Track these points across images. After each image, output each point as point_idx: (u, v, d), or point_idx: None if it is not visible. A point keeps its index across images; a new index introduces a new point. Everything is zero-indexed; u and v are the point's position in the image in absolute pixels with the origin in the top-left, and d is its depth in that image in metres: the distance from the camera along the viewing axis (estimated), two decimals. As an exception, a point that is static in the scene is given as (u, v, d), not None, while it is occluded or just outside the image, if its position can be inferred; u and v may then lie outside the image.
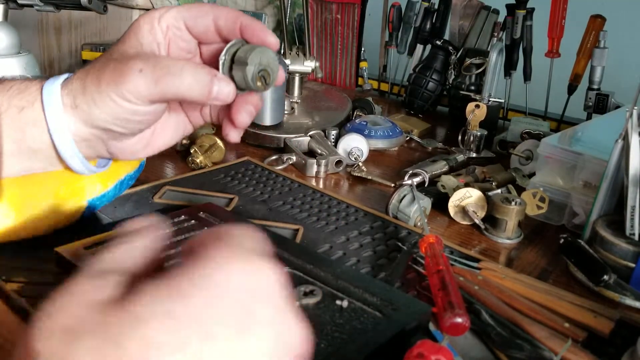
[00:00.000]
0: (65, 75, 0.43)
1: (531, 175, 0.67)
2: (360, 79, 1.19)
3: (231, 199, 0.60)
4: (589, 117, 0.91)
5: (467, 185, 0.62)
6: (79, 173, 0.45)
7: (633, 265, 0.48)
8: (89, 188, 0.49)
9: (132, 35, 0.43)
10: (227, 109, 0.46)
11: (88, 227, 0.51)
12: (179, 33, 0.44)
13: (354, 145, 0.75)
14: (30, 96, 0.42)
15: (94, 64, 0.42)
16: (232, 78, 0.42)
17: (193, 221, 0.50)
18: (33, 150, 0.42)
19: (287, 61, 0.85)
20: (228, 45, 0.42)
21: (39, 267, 0.44)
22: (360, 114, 0.91)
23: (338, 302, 0.40)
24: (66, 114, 0.41)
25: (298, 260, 0.44)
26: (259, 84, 0.42)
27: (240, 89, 0.43)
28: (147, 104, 0.41)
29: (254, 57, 0.41)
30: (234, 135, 0.46)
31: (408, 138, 0.89)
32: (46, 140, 0.42)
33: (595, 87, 0.88)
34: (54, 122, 0.41)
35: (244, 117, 0.44)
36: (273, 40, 0.44)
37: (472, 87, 0.96)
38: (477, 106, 0.81)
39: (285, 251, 0.45)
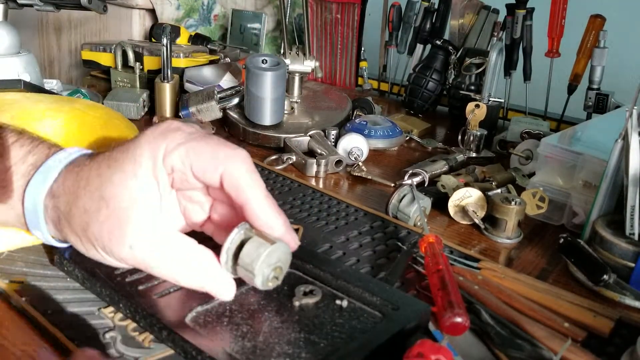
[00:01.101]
0: (52, 178, 0.40)
1: (531, 175, 0.67)
2: (360, 79, 1.19)
3: (231, 199, 0.60)
4: (588, 117, 0.91)
5: (467, 185, 0.62)
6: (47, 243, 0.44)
7: (633, 265, 0.48)
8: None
9: (130, 168, 0.38)
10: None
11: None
12: (184, 177, 0.39)
13: (354, 145, 0.75)
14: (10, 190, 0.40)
15: (82, 187, 0.39)
16: (236, 272, 0.38)
17: None
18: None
19: (287, 61, 0.85)
20: (229, 240, 0.37)
21: (40, 268, 0.44)
22: (360, 113, 0.91)
23: (338, 301, 0.40)
24: (48, 224, 0.41)
25: (297, 260, 0.44)
26: (270, 284, 0.38)
27: None
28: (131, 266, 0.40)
29: (262, 265, 0.36)
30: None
31: (408, 138, 0.89)
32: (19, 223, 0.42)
33: (595, 86, 0.88)
34: (34, 224, 0.41)
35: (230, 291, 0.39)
36: (278, 232, 0.38)
37: (472, 87, 0.96)
38: (477, 106, 0.81)
39: None
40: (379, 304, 0.40)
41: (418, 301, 0.41)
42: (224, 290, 0.38)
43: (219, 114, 0.84)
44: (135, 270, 0.42)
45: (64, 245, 0.43)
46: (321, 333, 0.37)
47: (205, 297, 0.39)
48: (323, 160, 0.71)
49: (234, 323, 0.37)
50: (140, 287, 0.40)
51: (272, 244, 0.36)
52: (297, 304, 0.39)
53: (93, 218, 0.38)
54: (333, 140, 0.78)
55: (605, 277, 0.47)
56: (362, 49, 1.16)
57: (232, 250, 0.37)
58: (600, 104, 0.88)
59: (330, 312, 0.39)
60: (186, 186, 0.41)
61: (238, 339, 0.36)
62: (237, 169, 0.38)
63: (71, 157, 0.41)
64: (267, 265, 0.37)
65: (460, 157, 0.77)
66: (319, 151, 0.75)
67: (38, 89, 0.66)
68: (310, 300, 0.40)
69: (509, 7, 0.96)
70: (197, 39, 1.13)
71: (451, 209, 0.61)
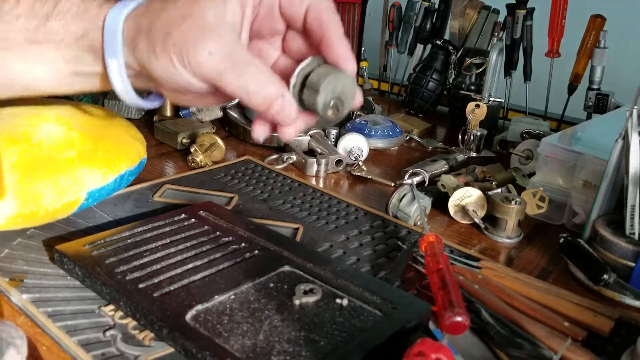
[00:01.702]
0: (132, 3, 0.39)
1: (531, 174, 0.67)
2: (360, 79, 1.19)
3: (231, 198, 0.60)
4: (589, 117, 0.91)
5: (467, 184, 0.63)
6: (126, 103, 0.43)
7: (633, 264, 0.48)
8: (89, 178, 0.49)
9: None
10: None
11: (89, 225, 0.51)
12: (269, 12, 0.40)
13: (354, 144, 0.75)
14: (89, 23, 0.39)
15: (170, 4, 0.38)
16: (301, 101, 0.38)
17: (193, 220, 0.50)
18: (86, 74, 0.41)
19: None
20: (301, 65, 0.38)
21: (40, 266, 0.44)
22: (360, 113, 0.91)
23: (338, 300, 0.40)
24: (124, 48, 0.39)
25: (298, 258, 0.44)
26: (329, 112, 0.38)
27: (308, 109, 0.39)
28: (203, 82, 0.39)
29: (327, 85, 0.37)
30: (261, 134, 0.42)
31: (408, 137, 0.89)
32: (99, 70, 0.40)
33: (595, 87, 0.88)
34: (111, 50, 0.39)
35: (290, 132, 0.40)
36: (350, 67, 0.39)
37: (472, 87, 0.96)
38: (477, 106, 0.81)
39: (285, 250, 0.46)
40: (379, 303, 0.40)
41: (418, 300, 0.41)
42: (287, 108, 0.38)
43: (219, 114, 0.84)
44: (136, 269, 0.42)
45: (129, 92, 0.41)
46: (321, 332, 0.37)
47: (206, 296, 0.39)
48: (323, 160, 0.71)
49: (234, 321, 0.37)
50: (141, 285, 0.40)
51: (338, 72, 0.37)
52: (297, 302, 0.39)
53: (176, 27, 0.37)
54: (333, 139, 0.78)
55: (605, 276, 0.47)
56: (363, 48, 1.16)
57: (303, 73, 0.38)
58: (600, 104, 0.88)
59: (330, 311, 0.39)
60: (267, 26, 0.42)
61: (238, 337, 0.36)
62: (323, 3, 0.40)
63: None
64: (332, 87, 0.37)
65: (460, 157, 0.77)
66: (319, 151, 0.75)
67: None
68: (310, 299, 0.40)
69: (509, 7, 0.96)
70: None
71: (451, 209, 0.61)
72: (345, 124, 0.83)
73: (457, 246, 0.54)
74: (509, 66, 0.98)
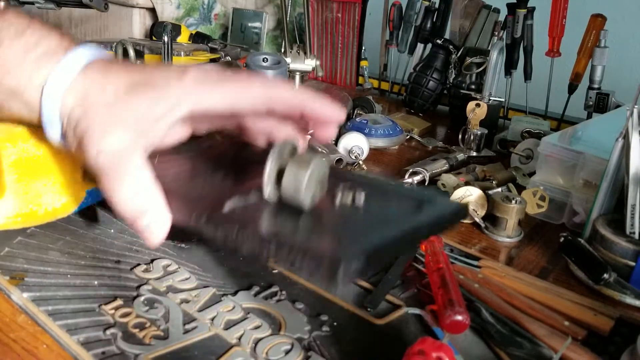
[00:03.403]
0: (86, 59, 0.39)
1: (531, 174, 0.67)
2: (360, 78, 1.19)
3: (232, 197, 0.60)
4: (589, 116, 0.91)
5: (467, 183, 0.63)
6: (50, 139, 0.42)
7: (633, 263, 0.48)
8: (88, 175, 0.49)
9: (161, 97, 0.38)
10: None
11: (90, 224, 0.51)
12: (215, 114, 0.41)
13: (355, 143, 0.75)
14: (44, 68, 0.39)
15: (109, 84, 0.38)
16: (280, 194, 0.38)
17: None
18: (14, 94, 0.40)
19: (288, 60, 0.85)
20: (268, 167, 0.37)
21: (40, 264, 0.45)
22: (360, 112, 0.91)
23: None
24: (65, 98, 0.39)
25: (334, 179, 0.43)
26: (317, 199, 0.38)
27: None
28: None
29: (307, 193, 0.36)
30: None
31: (408, 137, 0.89)
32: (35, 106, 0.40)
33: (596, 86, 0.88)
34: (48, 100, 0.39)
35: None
36: (338, 118, 0.42)
37: (473, 86, 0.96)
38: (478, 105, 0.81)
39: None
40: (415, 198, 0.40)
41: (451, 201, 0.42)
42: (152, 233, 0.37)
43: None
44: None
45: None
46: (371, 221, 0.37)
47: (241, 194, 0.39)
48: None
49: (272, 214, 0.37)
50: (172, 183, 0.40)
51: (308, 167, 0.36)
52: (338, 203, 0.39)
53: (94, 112, 0.38)
54: (333, 139, 0.78)
55: (606, 275, 0.47)
56: (363, 48, 1.16)
57: (273, 179, 0.37)
58: (600, 104, 0.88)
59: (372, 208, 0.38)
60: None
61: (275, 225, 0.36)
62: (285, 94, 0.41)
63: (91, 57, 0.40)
64: (311, 186, 0.37)
65: (460, 156, 0.77)
66: (319, 150, 0.75)
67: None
68: (356, 198, 0.39)
69: (509, 6, 0.96)
70: (197, 38, 1.13)
71: (452, 208, 0.61)
72: (346, 123, 0.83)
73: (457, 245, 0.54)
74: (510, 65, 0.98)
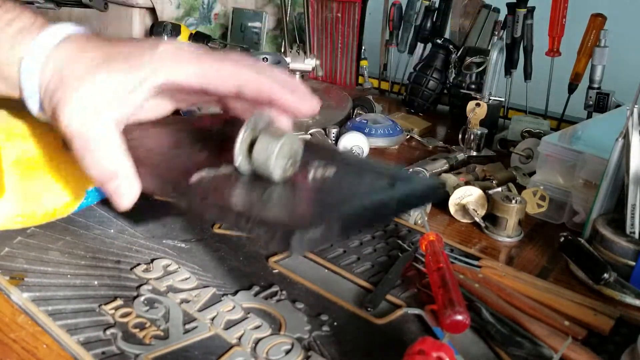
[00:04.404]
0: (63, 34, 0.40)
1: (531, 173, 0.67)
2: (360, 78, 1.19)
3: (232, 197, 0.60)
4: (589, 116, 0.91)
5: (467, 183, 0.63)
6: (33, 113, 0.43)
7: (633, 263, 0.48)
8: (89, 177, 0.49)
9: (135, 67, 0.39)
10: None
11: (90, 224, 0.51)
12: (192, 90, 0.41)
13: (355, 143, 0.75)
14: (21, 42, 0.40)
15: (87, 53, 0.39)
16: (253, 168, 0.38)
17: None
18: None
19: (288, 59, 0.85)
20: (240, 137, 0.37)
21: (40, 264, 0.44)
22: (360, 112, 0.91)
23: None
24: (43, 71, 0.40)
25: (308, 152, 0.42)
26: (288, 174, 0.37)
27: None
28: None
29: (277, 162, 0.36)
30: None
31: (408, 136, 0.89)
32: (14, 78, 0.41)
33: (596, 85, 0.88)
34: (27, 73, 0.40)
35: (123, 205, 0.39)
36: (307, 109, 0.41)
37: (473, 86, 0.95)
38: (478, 105, 0.81)
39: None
40: (389, 176, 0.39)
41: (430, 179, 0.40)
42: (121, 197, 0.38)
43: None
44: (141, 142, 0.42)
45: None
46: (337, 193, 0.36)
47: (212, 165, 0.38)
48: (323, 159, 0.71)
49: (243, 185, 0.37)
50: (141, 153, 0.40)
51: (280, 138, 0.36)
52: (310, 176, 0.38)
53: (67, 84, 0.38)
54: (334, 138, 0.78)
55: (606, 275, 0.47)
56: (363, 47, 1.16)
57: (244, 149, 0.37)
58: (600, 103, 0.88)
59: (341, 181, 0.38)
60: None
61: (245, 196, 0.36)
62: (253, 77, 0.40)
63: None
64: (282, 157, 0.36)
65: (460, 156, 0.77)
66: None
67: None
68: (326, 172, 0.39)
69: (509, 6, 0.96)
70: (197, 37, 1.13)
71: (452, 208, 0.61)
72: (346, 123, 0.83)
73: (457, 245, 0.54)
74: (510, 65, 0.98)
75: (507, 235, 0.57)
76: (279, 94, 0.40)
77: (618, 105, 0.86)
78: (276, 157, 0.36)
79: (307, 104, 0.41)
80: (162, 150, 0.43)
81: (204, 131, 0.47)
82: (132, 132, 0.40)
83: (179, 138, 0.45)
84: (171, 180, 0.38)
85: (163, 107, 0.46)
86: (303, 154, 0.39)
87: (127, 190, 0.38)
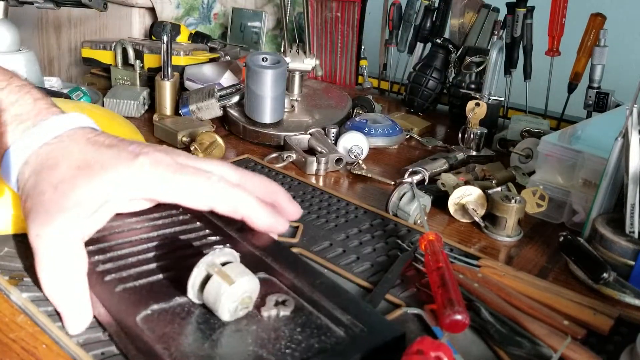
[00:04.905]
0: (54, 133, 0.41)
1: (531, 173, 0.67)
2: (360, 77, 1.19)
3: (231, 197, 0.60)
4: (589, 116, 0.91)
5: (467, 183, 0.63)
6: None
7: (632, 263, 0.48)
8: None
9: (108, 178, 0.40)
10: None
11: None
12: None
13: (354, 143, 0.75)
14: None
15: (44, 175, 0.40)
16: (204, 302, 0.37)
17: (188, 215, 0.48)
18: None
19: (288, 59, 0.85)
20: (193, 275, 0.36)
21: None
22: (360, 112, 0.91)
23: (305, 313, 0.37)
24: (22, 171, 0.41)
25: (280, 266, 0.41)
26: (240, 314, 0.37)
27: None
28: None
29: (225, 305, 0.35)
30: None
31: (408, 136, 0.89)
32: None
33: (596, 85, 0.88)
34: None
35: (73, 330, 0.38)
36: (282, 226, 0.44)
37: (472, 86, 0.95)
38: (477, 104, 0.81)
39: (269, 255, 0.43)
40: (348, 324, 0.36)
41: (393, 326, 0.37)
42: (74, 320, 0.37)
43: (219, 112, 0.84)
44: (110, 260, 0.41)
45: None
46: (273, 348, 0.34)
47: (166, 296, 0.38)
48: (323, 159, 0.71)
49: (185, 326, 0.35)
50: (107, 278, 0.39)
51: (231, 281, 0.35)
52: (265, 314, 0.37)
53: (38, 196, 0.39)
54: (333, 138, 0.78)
55: (605, 275, 0.47)
56: (362, 47, 1.16)
57: (197, 286, 0.37)
58: (600, 103, 0.88)
59: (292, 327, 0.36)
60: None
61: (182, 343, 0.34)
62: (226, 198, 0.42)
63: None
64: (232, 301, 0.36)
65: (460, 156, 0.77)
66: (319, 149, 0.74)
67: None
68: (281, 312, 0.37)
69: (509, 5, 0.96)
70: (197, 37, 1.13)
71: (451, 207, 0.61)
72: (346, 123, 0.83)
73: (457, 245, 0.54)
74: (509, 65, 0.98)
75: (507, 235, 0.57)
76: (253, 215, 0.42)
77: (618, 105, 0.86)
78: (224, 301, 0.35)
79: (285, 217, 0.44)
80: (125, 263, 0.41)
81: (174, 234, 0.46)
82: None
83: (146, 240, 0.44)
84: (123, 313, 0.36)
85: (141, 205, 0.46)
86: (269, 280, 0.40)
87: (77, 320, 0.37)
